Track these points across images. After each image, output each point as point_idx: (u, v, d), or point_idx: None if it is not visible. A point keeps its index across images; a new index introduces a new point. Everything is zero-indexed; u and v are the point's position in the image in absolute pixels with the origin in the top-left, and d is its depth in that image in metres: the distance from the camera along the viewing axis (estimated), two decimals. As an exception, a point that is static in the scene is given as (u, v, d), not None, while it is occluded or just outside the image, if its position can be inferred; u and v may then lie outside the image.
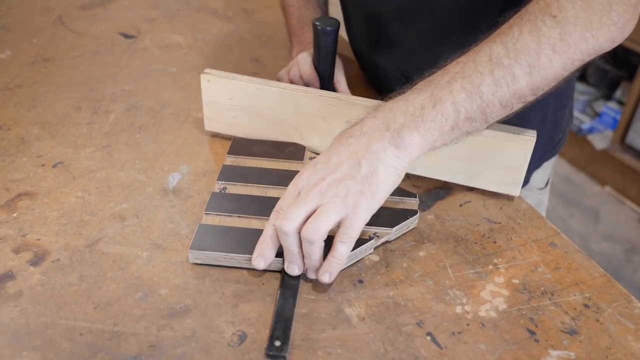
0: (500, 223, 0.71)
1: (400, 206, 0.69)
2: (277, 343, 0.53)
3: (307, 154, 0.78)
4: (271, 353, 0.53)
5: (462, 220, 0.71)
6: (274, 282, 0.61)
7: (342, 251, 0.58)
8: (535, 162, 0.94)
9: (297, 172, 0.74)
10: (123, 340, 0.54)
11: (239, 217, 0.67)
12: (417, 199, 0.71)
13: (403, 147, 0.58)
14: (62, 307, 0.57)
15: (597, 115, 2.39)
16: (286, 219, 0.57)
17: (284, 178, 0.72)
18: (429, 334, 0.57)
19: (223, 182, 0.72)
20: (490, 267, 0.65)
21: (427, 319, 0.58)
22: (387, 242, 0.66)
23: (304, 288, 0.60)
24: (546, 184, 0.99)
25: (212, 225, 0.65)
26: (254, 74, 0.95)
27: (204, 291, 0.59)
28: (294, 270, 0.60)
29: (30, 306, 0.56)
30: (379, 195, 0.58)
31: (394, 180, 0.59)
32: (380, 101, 0.72)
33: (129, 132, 0.82)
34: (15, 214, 0.67)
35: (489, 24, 0.64)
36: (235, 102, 0.78)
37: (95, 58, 1.00)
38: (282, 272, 0.61)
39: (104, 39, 1.06)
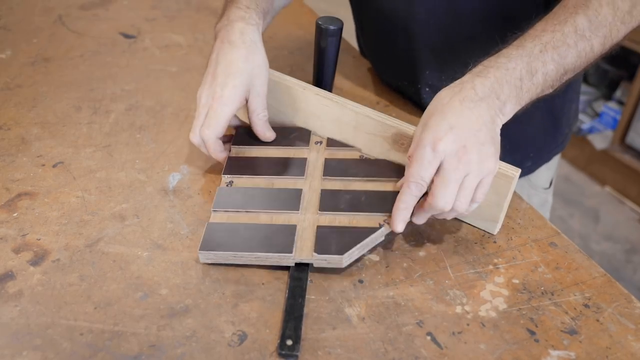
0: (500, 223, 0.71)
1: None
2: (289, 342, 0.53)
3: (313, 138, 0.77)
4: (283, 352, 0.53)
5: (462, 220, 0.71)
6: (275, 282, 0.61)
7: (472, 208, 0.62)
8: (545, 156, 0.94)
9: (303, 159, 0.73)
10: (123, 340, 0.54)
11: (246, 212, 0.66)
12: None
13: (506, 113, 0.61)
14: (63, 307, 0.57)
15: (597, 115, 2.39)
16: (444, 200, 0.59)
17: (291, 167, 0.72)
18: (429, 333, 0.57)
19: (229, 176, 0.71)
20: (491, 267, 0.65)
21: (427, 318, 0.58)
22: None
23: (304, 288, 0.61)
24: (550, 184, 1.00)
25: (220, 224, 0.64)
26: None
27: (204, 291, 0.59)
28: (399, 227, 0.62)
29: (30, 306, 0.56)
30: (498, 155, 0.61)
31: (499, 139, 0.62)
32: (365, 107, 0.72)
33: (129, 132, 0.82)
34: (15, 214, 0.67)
35: (514, 32, 0.65)
36: None
37: (95, 58, 1.00)
38: (290, 271, 0.61)
39: (104, 39, 1.06)
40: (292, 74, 0.80)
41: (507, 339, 0.57)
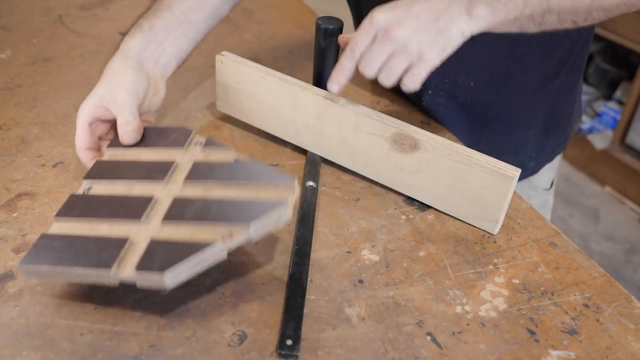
0: (500, 223, 0.71)
1: (271, 194, 0.57)
2: (289, 342, 0.53)
3: (196, 138, 0.68)
4: (283, 352, 0.53)
5: (462, 220, 0.71)
6: (274, 282, 0.61)
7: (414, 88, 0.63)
8: (548, 156, 0.94)
9: (170, 162, 0.65)
10: (123, 340, 0.54)
11: (87, 222, 0.58)
12: (295, 182, 0.58)
13: (474, 17, 0.62)
14: (62, 307, 0.57)
15: (597, 115, 2.39)
16: (368, 62, 0.63)
17: (155, 171, 0.64)
18: (429, 333, 0.57)
19: (90, 181, 0.64)
20: (490, 267, 0.65)
21: (427, 318, 0.58)
22: (248, 243, 0.56)
23: (304, 288, 0.61)
24: (551, 185, 1.00)
25: (53, 235, 0.57)
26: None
27: (204, 291, 0.59)
28: (334, 87, 0.67)
29: (30, 306, 0.57)
30: (444, 52, 0.62)
31: (457, 43, 0.63)
32: (365, 107, 0.72)
33: (129, 132, 0.82)
34: (15, 214, 0.67)
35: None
36: (242, 86, 0.80)
37: (95, 58, 1.00)
38: (290, 271, 0.61)
39: (104, 39, 1.06)
40: (292, 74, 0.80)
41: (507, 339, 0.57)
